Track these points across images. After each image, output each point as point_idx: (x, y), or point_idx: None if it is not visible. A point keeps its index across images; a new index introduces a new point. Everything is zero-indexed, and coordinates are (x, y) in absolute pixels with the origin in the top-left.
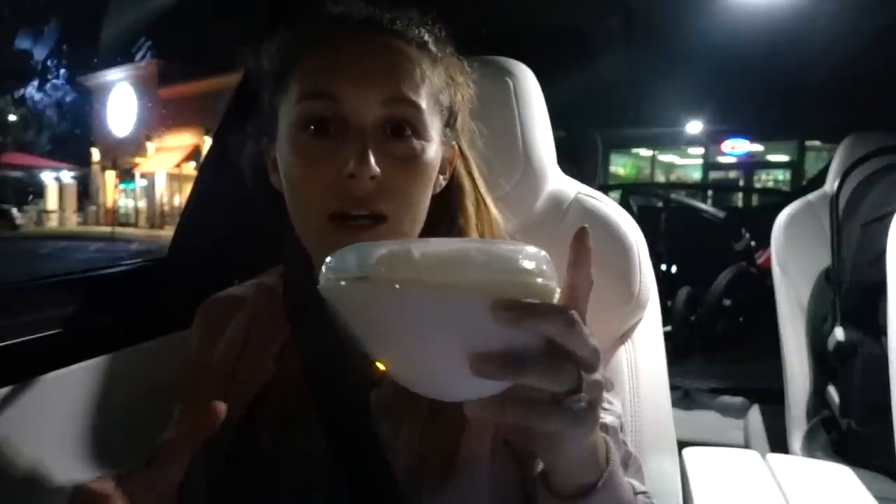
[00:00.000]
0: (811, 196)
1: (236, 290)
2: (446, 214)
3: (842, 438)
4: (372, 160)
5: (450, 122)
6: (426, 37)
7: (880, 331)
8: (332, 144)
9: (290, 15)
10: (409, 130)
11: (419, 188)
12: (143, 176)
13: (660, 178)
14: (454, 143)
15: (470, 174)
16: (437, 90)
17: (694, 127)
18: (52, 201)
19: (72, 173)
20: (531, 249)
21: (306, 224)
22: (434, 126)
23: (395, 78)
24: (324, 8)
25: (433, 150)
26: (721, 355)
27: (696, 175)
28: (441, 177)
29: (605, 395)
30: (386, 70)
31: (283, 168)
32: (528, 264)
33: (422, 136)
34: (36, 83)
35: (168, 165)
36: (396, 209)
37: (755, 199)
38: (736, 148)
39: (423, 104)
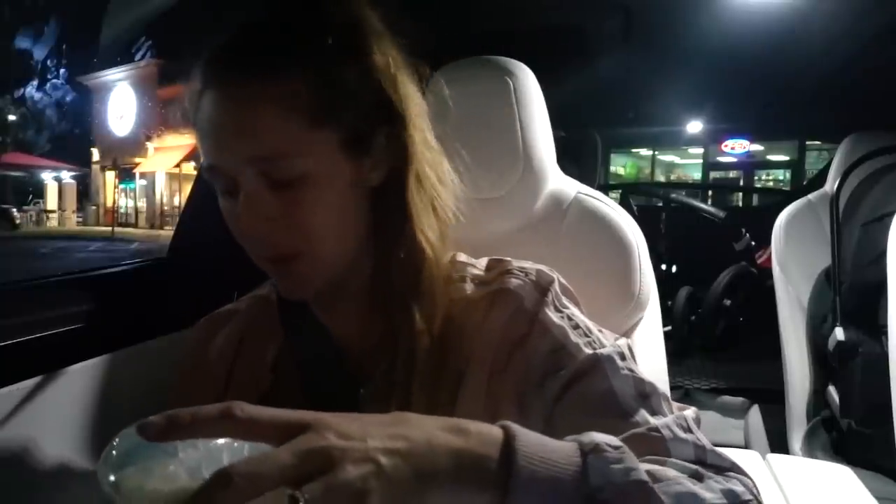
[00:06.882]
0: (811, 196)
1: (230, 306)
2: (388, 217)
3: (842, 438)
4: (258, 216)
5: (361, 130)
6: (309, 49)
7: (880, 331)
8: (233, 201)
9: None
10: (286, 178)
11: (322, 218)
12: (142, 176)
13: (660, 177)
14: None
15: (417, 173)
16: (326, 108)
17: (694, 126)
18: (52, 201)
19: (72, 173)
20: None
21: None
22: (322, 156)
23: (249, 137)
24: (198, 47)
25: (323, 178)
26: (721, 355)
27: (696, 175)
28: (368, 185)
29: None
30: (240, 129)
31: None
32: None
33: (300, 176)
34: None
35: (168, 165)
36: (308, 244)
37: (755, 199)
38: (736, 148)
39: (291, 148)
